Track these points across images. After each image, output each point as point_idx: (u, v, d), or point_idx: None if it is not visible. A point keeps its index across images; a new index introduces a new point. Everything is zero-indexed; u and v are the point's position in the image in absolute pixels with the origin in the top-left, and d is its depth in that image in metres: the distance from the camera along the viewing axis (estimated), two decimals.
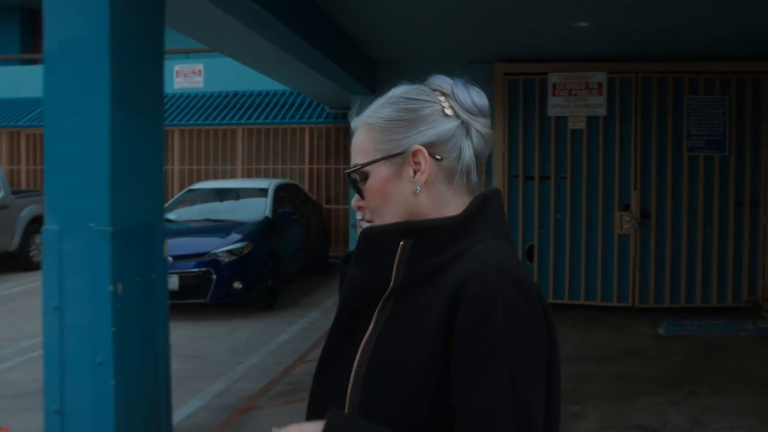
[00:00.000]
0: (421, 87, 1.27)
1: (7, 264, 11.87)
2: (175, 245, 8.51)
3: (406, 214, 1.23)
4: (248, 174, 13.40)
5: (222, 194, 10.28)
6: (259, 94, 14.09)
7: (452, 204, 1.23)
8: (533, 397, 1.09)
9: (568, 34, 7.24)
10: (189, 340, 7.45)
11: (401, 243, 1.18)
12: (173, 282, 8.30)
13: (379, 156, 1.24)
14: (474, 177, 1.26)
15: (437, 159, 1.22)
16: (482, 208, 1.22)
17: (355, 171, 1.27)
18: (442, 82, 1.26)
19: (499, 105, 8.60)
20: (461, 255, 1.16)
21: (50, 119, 3.37)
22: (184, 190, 10.22)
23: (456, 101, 1.24)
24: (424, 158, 1.21)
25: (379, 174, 1.24)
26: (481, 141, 1.25)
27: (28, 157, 14.17)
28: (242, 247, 8.63)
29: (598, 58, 8.38)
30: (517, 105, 8.65)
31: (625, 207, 8.48)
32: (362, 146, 1.27)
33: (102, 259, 3.27)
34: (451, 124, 1.23)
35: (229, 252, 8.54)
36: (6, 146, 14.31)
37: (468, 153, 1.24)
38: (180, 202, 10.00)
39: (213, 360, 6.84)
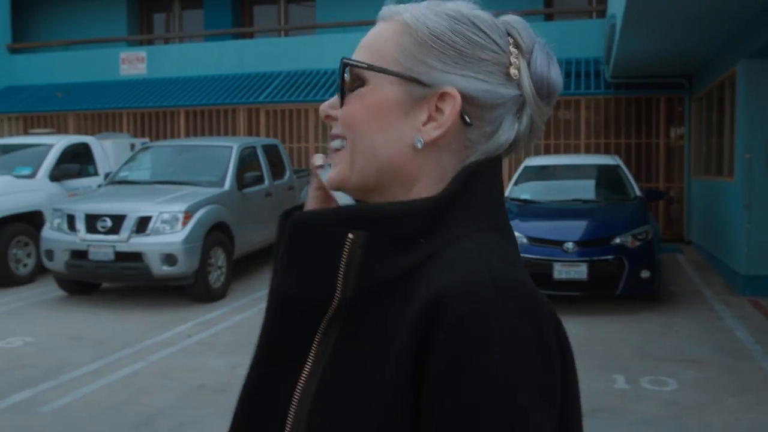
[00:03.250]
0: (496, 21, 0.89)
1: None
2: (573, 229, 7.52)
3: (384, 164, 0.87)
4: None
5: (567, 171, 9.18)
6: None
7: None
8: None
9: None
10: (663, 338, 6.41)
11: (350, 236, 0.82)
12: (581, 271, 7.27)
13: (396, 69, 0.86)
14: None
15: (466, 122, 0.86)
16: (468, 186, 0.85)
17: (354, 66, 0.88)
18: (522, 29, 0.88)
19: None
20: (437, 254, 0.82)
21: None
22: (522, 167, 9.14)
23: (529, 65, 0.87)
24: (452, 109, 0.85)
25: (381, 91, 0.87)
26: (527, 130, 0.89)
27: (267, 134, 13.32)
28: (646, 231, 7.56)
29: None
30: None
31: None
32: (380, 44, 0.88)
33: None
34: (507, 91, 0.87)
35: (635, 237, 7.46)
36: (244, 123, 13.51)
37: (505, 136, 0.87)
38: (523, 180, 8.94)
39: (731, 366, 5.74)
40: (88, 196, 8.46)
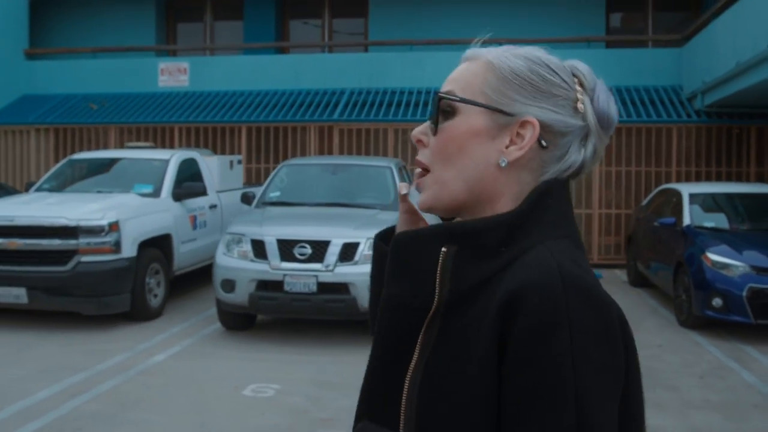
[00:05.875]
0: (564, 63, 1.07)
1: None
2: None
3: (473, 183, 1.03)
4: (613, 176, 12.13)
5: (737, 199, 9.00)
6: None
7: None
8: None
9: None
10: None
11: (443, 250, 0.99)
12: None
13: (483, 102, 1.04)
14: None
15: (542, 145, 1.03)
16: (541, 201, 1.01)
17: (446, 98, 1.05)
18: (586, 71, 1.07)
19: None
20: (516, 260, 0.97)
21: None
22: (687, 195, 8.86)
23: (592, 101, 1.05)
24: (532, 134, 1.02)
25: (470, 120, 1.04)
26: (590, 156, 1.06)
27: (341, 153, 12.51)
28: None
29: None
30: None
31: None
32: (469, 79, 1.06)
33: None
34: (575, 122, 1.04)
35: None
36: (316, 142, 12.65)
37: (573, 158, 1.04)
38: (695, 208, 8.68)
39: None
40: (269, 219, 7.49)
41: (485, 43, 1.10)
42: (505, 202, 1.03)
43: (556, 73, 1.04)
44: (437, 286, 0.98)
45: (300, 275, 6.91)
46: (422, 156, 1.07)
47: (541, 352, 0.89)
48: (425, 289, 0.99)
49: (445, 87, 1.07)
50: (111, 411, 5.18)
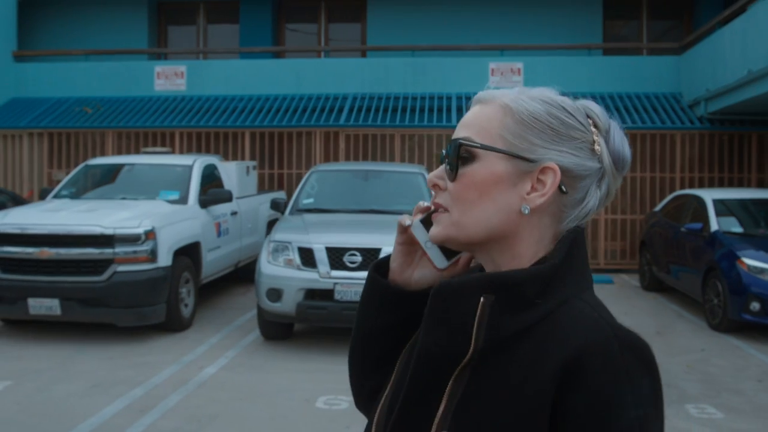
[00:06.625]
0: (577, 105, 1.06)
1: None
2: None
3: (493, 228, 1.03)
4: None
5: (760, 205, 9.15)
6: (592, 97, 12.94)
7: (547, 246, 1.04)
8: None
9: None
10: None
11: (481, 299, 0.98)
12: None
13: (503, 147, 1.02)
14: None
15: (562, 190, 1.03)
16: (571, 252, 1.02)
17: (467, 145, 1.03)
18: (600, 113, 1.06)
19: None
20: (553, 313, 0.98)
21: None
22: (710, 201, 8.99)
23: (608, 143, 1.06)
24: (553, 181, 1.01)
25: (490, 166, 1.02)
26: (603, 197, 1.07)
27: (347, 159, 12.41)
28: None
29: None
30: None
31: None
32: (484, 124, 1.04)
33: None
34: (593, 164, 1.04)
35: None
36: (321, 147, 12.50)
37: (592, 203, 1.05)
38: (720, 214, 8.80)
39: None
40: (314, 227, 7.32)
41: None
42: (527, 246, 1.03)
43: (573, 116, 1.03)
44: (473, 335, 0.96)
45: (351, 283, 6.78)
46: (441, 198, 1.05)
47: (610, 422, 0.90)
48: (461, 339, 0.97)
49: (461, 132, 1.04)
50: (190, 428, 4.98)
